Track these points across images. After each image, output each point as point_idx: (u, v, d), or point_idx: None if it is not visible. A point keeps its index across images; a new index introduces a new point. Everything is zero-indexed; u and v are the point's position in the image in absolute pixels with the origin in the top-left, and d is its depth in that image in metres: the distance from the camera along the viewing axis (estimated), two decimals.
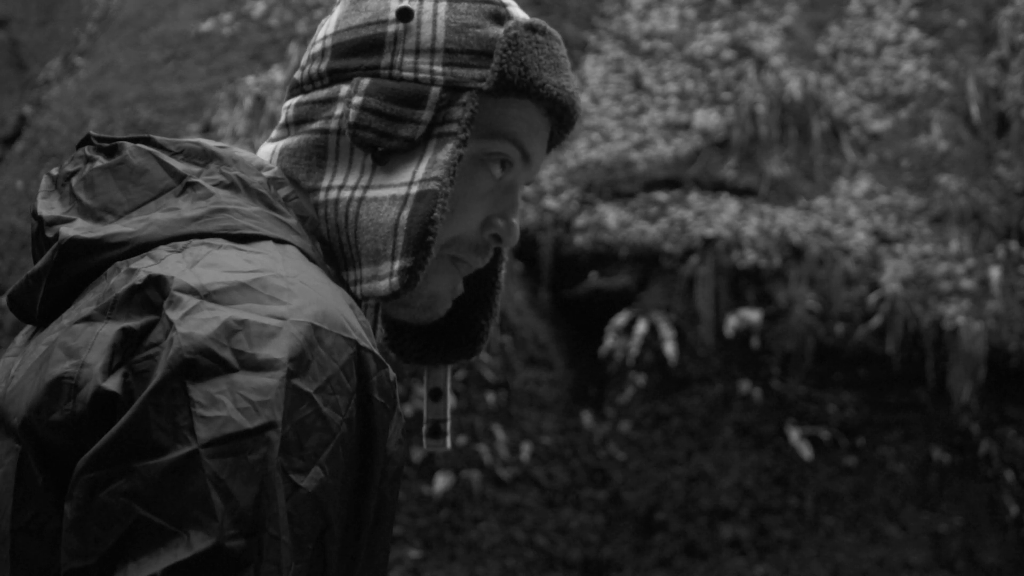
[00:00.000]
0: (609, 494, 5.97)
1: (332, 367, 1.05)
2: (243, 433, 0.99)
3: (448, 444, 1.41)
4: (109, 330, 1.05)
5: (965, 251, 6.16)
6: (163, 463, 0.98)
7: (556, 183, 6.64)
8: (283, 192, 1.24)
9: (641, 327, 6.04)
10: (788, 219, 6.29)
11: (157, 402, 1.00)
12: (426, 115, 1.24)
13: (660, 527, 5.88)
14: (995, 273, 6.00)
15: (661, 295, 6.18)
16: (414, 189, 1.22)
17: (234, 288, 1.06)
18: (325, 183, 1.26)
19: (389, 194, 1.23)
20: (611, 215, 6.42)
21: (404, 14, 1.26)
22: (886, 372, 5.91)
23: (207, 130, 6.67)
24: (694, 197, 6.47)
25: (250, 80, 6.98)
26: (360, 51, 1.27)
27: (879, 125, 6.89)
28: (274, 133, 1.32)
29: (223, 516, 0.97)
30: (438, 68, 1.25)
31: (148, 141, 1.23)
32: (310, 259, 1.18)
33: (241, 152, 1.25)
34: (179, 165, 1.20)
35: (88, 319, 1.08)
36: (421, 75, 1.25)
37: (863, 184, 6.55)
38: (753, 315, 5.99)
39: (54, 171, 1.23)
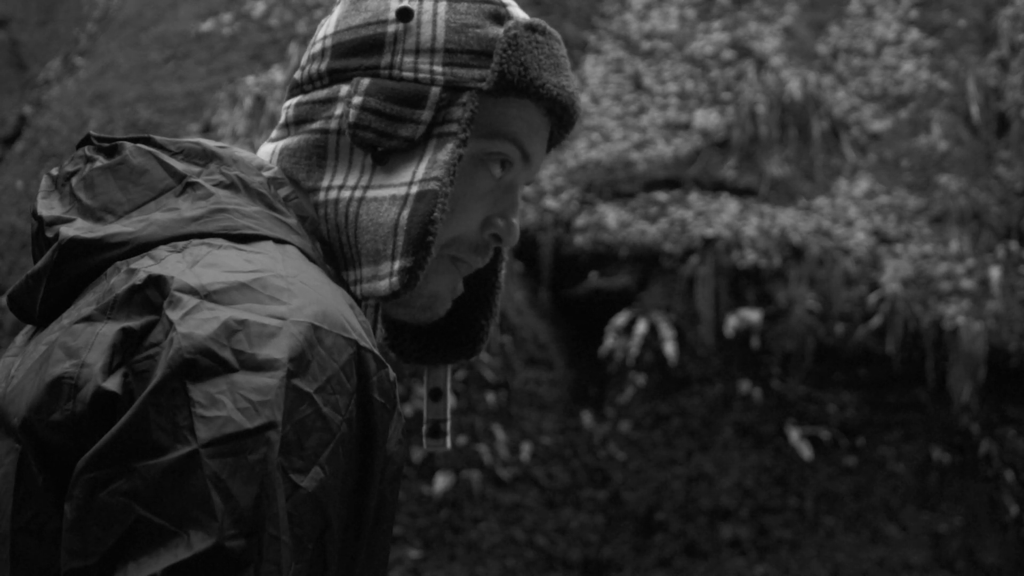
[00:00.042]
0: (609, 494, 5.97)
1: (332, 367, 1.05)
2: (243, 433, 0.99)
3: (448, 444, 1.41)
4: (109, 330, 1.05)
5: (965, 251, 6.16)
6: (163, 463, 0.98)
7: (556, 183, 6.64)
8: (283, 192, 1.24)
9: (641, 327, 6.04)
10: (788, 219, 6.29)
11: (157, 402, 1.00)
12: (426, 115, 1.24)
13: (660, 527, 5.88)
14: (995, 273, 6.00)
15: (661, 295, 6.18)
16: (414, 189, 1.22)
17: (234, 288, 1.06)
18: (325, 183, 1.26)
19: (389, 194, 1.23)
20: (611, 215, 6.42)
21: (404, 14, 1.26)
22: (886, 372, 5.91)
23: (207, 130, 6.68)
24: (694, 197, 6.47)
25: (250, 80, 6.98)
26: (360, 51, 1.27)
27: (879, 125, 6.89)
28: (274, 133, 1.32)
29: (223, 516, 0.97)
30: (438, 68, 1.25)
31: (148, 141, 1.23)
32: (310, 259, 1.18)
33: (241, 152, 1.25)
34: (179, 165, 1.20)
35: (88, 319, 1.08)
36: (421, 75, 1.25)
37: (863, 184, 6.55)
38: (753, 315, 5.99)
39: (54, 171, 1.23)
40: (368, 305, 1.30)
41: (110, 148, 1.22)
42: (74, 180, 1.20)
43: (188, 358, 1.01)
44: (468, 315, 1.40)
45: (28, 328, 1.22)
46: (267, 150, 1.31)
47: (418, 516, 5.79)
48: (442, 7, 1.27)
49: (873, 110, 6.98)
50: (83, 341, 1.06)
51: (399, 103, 1.24)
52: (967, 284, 6.01)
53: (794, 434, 5.87)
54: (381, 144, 1.24)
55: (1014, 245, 6.20)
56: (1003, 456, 5.79)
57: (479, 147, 1.26)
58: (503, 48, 1.26)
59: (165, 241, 1.13)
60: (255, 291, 1.06)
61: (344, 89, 1.27)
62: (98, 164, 1.20)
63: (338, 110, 1.27)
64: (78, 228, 1.15)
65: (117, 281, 1.09)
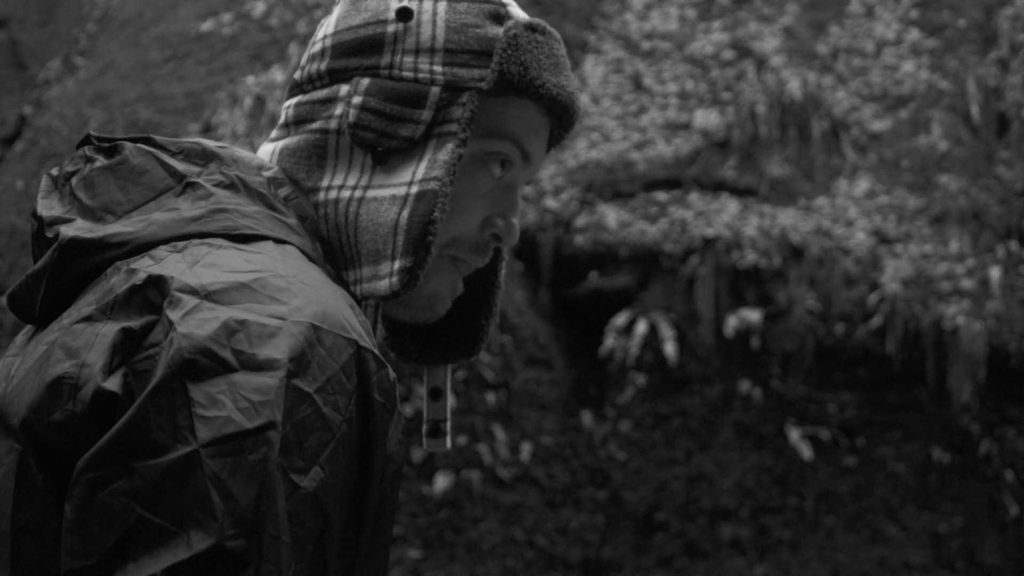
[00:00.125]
0: (609, 494, 5.97)
1: (332, 367, 1.05)
2: (243, 433, 0.99)
3: (448, 444, 1.41)
4: (109, 330, 1.05)
5: (965, 251, 6.16)
6: (163, 463, 0.98)
7: (556, 183, 6.64)
8: (283, 192, 1.24)
9: (641, 327, 6.04)
10: (788, 219, 6.29)
11: (157, 402, 1.00)
12: (426, 115, 1.24)
13: (660, 527, 5.88)
14: (995, 273, 6.00)
15: (661, 295, 6.18)
16: (414, 189, 1.22)
17: (234, 288, 1.06)
18: (325, 183, 1.26)
19: (389, 194, 1.23)
20: (611, 215, 6.42)
21: (404, 14, 1.26)
22: (886, 372, 5.91)
23: (207, 130, 6.67)
24: (694, 197, 6.47)
25: (250, 80, 6.98)
26: (360, 51, 1.27)
27: (879, 125, 6.89)
28: (274, 133, 1.32)
29: (223, 516, 0.97)
30: (438, 68, 1.25)
31: (148, 141, 1.23)
32: (310, 259, 1.18)
33: (241, 152, 1.25)
34: (179, 165, 1.20)
35: (88, 319, 1.08)
36: (421, 75, 1.25)
37: (863, 184, 6.55)
38: (753, 315, 5.99)
39: (54, 171, 1.23)
40: (368, 305, 1.30)
41: (110, 148, 1.22)
42: (74, 180, 1.20)
43: (188, 358, 1.01)
44: (468, 315, 1.40)
45: (28, 328, 1.22)
46: (267, 150, 1.31)
47: (418, 516, 5.79)
48: (442, 7, 1.27)
49: (873, 110, 6.98)
50: (83, 341, 1.06)
51: (399, 103, 1.24)
52: (967, 284, 6.01)
53: (794, 434, 5.87)
54: (381, 144, 1.24)
55: (1014, 245, 6.20)
56: (1003, 456, 5.79)
57: (479, 147, 1.26)
58: (503, 48, 1.26)
59: (165, 241, 1.13)
60: (255, 291, 1.06)
61: (344, 89, 1.27)
62: (98, 164, 1.20)
63: (338, 110, 1.27)
64: (78, 228, 1.15)
65: (117, 281, 1.09)
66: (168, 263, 1.09)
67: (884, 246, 6.21)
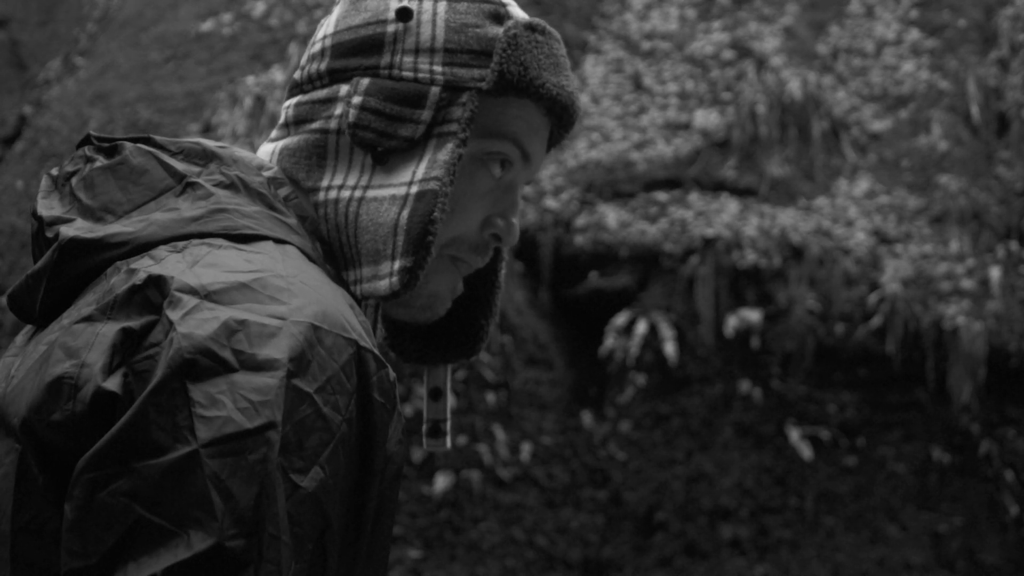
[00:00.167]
0: (609, 494, 5.97)
1: (332, 367, 1.05)
2: (243, 433, 0.99)
3: (448, 444, 1.41)
4: (109, 330, 1.05)
5: (965, 251, 6.16)
6: (163, 463, 0.98)
7: (556, 183, 6.64)
8: (283, 192, 1.24)
9: (641, 327, 6.04)
10: (788, 219, 6.29)
11: (157, 402, 1.00)
12: (426, 115, 1.24)
13: (660, 527, 5.88)
14: (995, 273, 6.00)
15: (661, 295, 6.18)
16: (414, 189, 1.22)
17: (234, 288, 1.06)
18: (325, 183, 1.26)
19: (389, 194, 1.23)
20: (611, 215, 6.42)
21: (404, 14, 1.26)
22: (886, 372, 5.91)
23: (207, 130, 6.67)
24: (694, 197, 6.47)
25: (250, 80, 6.98)
26: (360, 51, 1.27)
27: (879, 125, 6.89)
28: (274, 133, 1.33)
29: (223, 516, 0.97)
30: (438, 68, 1.25)
31: (148, 141, 1.23)
32: (310, 259, 1.18)
33: (241, 152, 1.25)
34: (179, 165, 1.20)
35: (88, 319, 1.08)
36: (421, 75, 1.25)
37: (863, 184, 6.55)
38: (753, 315, 5.99)
39: (54, 171, 1.23)
40: (368, 305, 1.30)
41: (110, 148, 1.22)
42: (74, 180, 1.20)
43: (188, 358, 1.01)
44: (468, 315, 1.40)
45: (28, 328, 1.22)
46: (267, 150, 1.31)
47: (418, 516, 5.79)
48: (442, 7, 1.27)
49: (873, 110, 6.98)
50: (83, 341, 1.06)
51: (399, 103, 1.24)
52: (967, 284, 6.01)
53: (794, 434, 5.87)
54: (381, 144, 1.24)
55: (1014, 245, 6.20)
56: (1003, 456, 5.79)
57: (479, 147, 1.26)
58: (503, 48, 1.26)
59: (165, 241, 1.13)
60: (255, 291, 1.06)
61: (344, 89, 1.27)
62: (98, 164, 1.20)
63: (338, 110, 1.27)
64: (78, 228, 1.15)
65: (117, 281, 1.09)
66: (168, 263, 1.09)
67: (884, 246, 6.21)
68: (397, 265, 1.21)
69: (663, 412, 6.03)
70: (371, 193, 1.24)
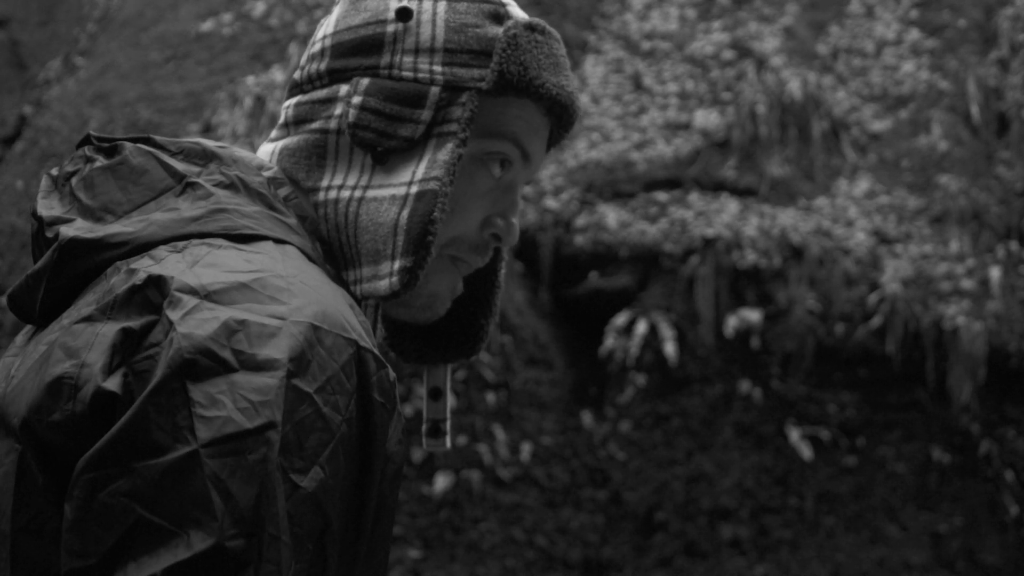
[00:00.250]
0: (609, 494, 5.97)
1: (332, 367, 1.05)
2: (243, 433, 0.99)
3: (448, 444, 1.41)
4: (109, 330, 1.05)
5: (965, 251, 6.16)
6: (163, 463, 0.98)
7: (556, 183, 6.64)
8: (283, 192, 1.24)
9: (641, 327, 6.04)
10: (788, 219, 6.29)
11: (157, 402, 1.00)
12: (426, 115, 1.24)
13: (660, 527, 5.88)
14: (995, 273, 6.00)
15: (661, 295, 6.18)
16: (414, 189, 1.22)
17: (234, 288, 1.06)
18: (325, 183, 1.26)
19: (389, 194, 1.23)
20: (611, 215, 6.42)
21: (403, 14, 1.26)
22: (886, 372, 5.91)
23: (207, 130, 6.67)
24: (694, 197, 6.47)
25: (250, 80, 6.98)
26: (360, 51, 1.27)
27: (879, 125, 6.89)
28: (274, 133, 1.33)
29: (223, 516, 0.97)
30: (437, 68, 1.25)
31: (148, 141, 1.23)
32: (310, 259, 1.18)
33: (241, 152, 1.25)
34: (179, 165, 1.20)
35: (88, 319, 1.08)
36: (421, 75, 1.25)
37: (863, 184, 6.55)
38: (753, 315, 5.99)
39: (54, 171, 1.23)
40: (368, 305, 1.30)
41: (110, 148, 1.22)
42: (74, 180, 1.20)
43: (188, 358, 1.01)
44: (468, 315, 1.40)
45: (28, 328, 1.22)
46: (267, 150, 1.31)
47: (418, 516, 5.79)
48: (441, 7, 1.27)
49: (873, 110, 6.98)
50: (83, 341, 1.06)
51: (399, 103, 1.24)
52: (967, 284, 6.01)
53: (794, 434, 5.87)
54: (381, 144, 1.24)
55: (1014, 245, 6.20)
56: (1003, 456, 5.79)
57: (479, 147, 1.26)
58: (503, 48, 1.26)
59: (165, 241, 1.13)
60: (255, 291, 1.06)
61: (344, 89, 1.27)
62: (98, 164, 1.20)
63: (338, 110, 1.27)
64: (78, 228, 1.15)
65: (117, 281, 1.09)
66: (168, 263, 1.09)
67: (884, 246, 6.21)
68: (397, 265, 1.21)
69: (663, 412, 6.03)
70: (371, 193, 1.24)
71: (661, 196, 6.51)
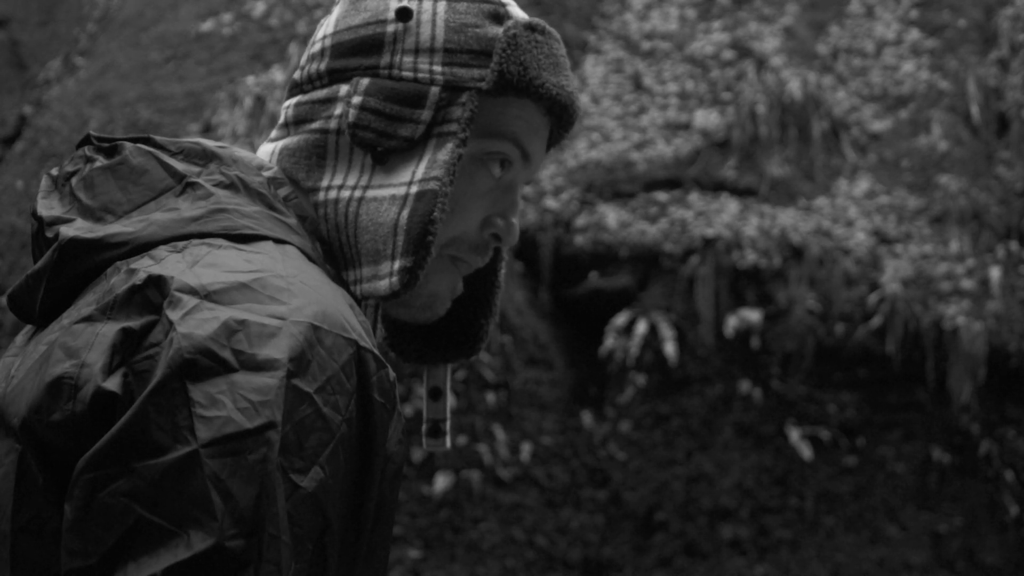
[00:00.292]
0: (609, 494, 5.97)
1: (332, 367, 1.05)
2: (243, 433, 0.99)
3: (448, 444, 1.41)
4: (109, 330, 1.05)
5: (965, 251, 6.16)
6: (163, 463, 0.98)
7: (556, 183, 6.64)
8: (283, 192, 1.24)
9: (641, 327, 6.04)
10: (788, 219, 6.29)
11: (157, 402, 1.00)
12: (425, 115, 1.24)
13: (660, 527, 5.88)
14: (995, 273, 6.00)
15: (661, 295, 6.18)
16: (414, 189, 1.22)
17: (234, 288, 1.06)
18: (325, 183, 1.26)
19: (389, 194, 1.23)
20: (611, 215, 6.42)
21: (403, 14, 1.26)
22: (886, 372, 5.91)
23: (207, 130, 6.67)
24: (694, 197, 6.47)
25: (250, 80, 6.98)
26: (359, 51, 1.27)
27: (879, 125, 6.89)
28: (274, 133, 1.32)
29: (223, 516, 0.97)
30: (437, 68, 1.25)
31: (148, 141, 1.23)
32: (310, 259, 1.18)
33: (241, 152, 1.25)
34: (179, 165, 1.20)
35: (88, 319, 1.08)
36: (420, 75, 1.25)
37: (863, 184, 6.55)
38: (753, 315, 5.99)
39: (54, 171, 1.23)
40: (368, 305, 1.30)
41: (110, 148, 1.22)
42: (74, 180, 1.20)
43: (188, 358, 1.01)
44: (468, 315, 1.40)
45: (28, 328, 1.22)
46: (267, 150, 1.31)
47: (418, 516, 5.79)
48: (441, 7, 1.27)
49: (873, 110, 6.98)
50: (83, 341, 1.06)
51: (399, 103, 1.24)
52: (967, 284, 6.01)
53: (794, 434, 5.87)
54: (381, 144, 1.24)
55: (1014, 245, 6.20)
56: (1003, 456, 5.79)
57: (479, 147, 1.26)
58: (502, 48, 1.26)
59: (165, 241, 1.13)
60: (255, 291, 1.06)
61: (344, 89, 1.27)
62: (98, 164, 1.20)
63: (338, 110, 1.27)
64: (78, 228, 1.15)
65: (117, 281, 1.09)
66: (168, 263, 1.09)
67: (884, 246, 6.21)
68: (397, 265, 1.21)
69: (663, 412, 6.03)
70: (371, 193, 1.24)
71: (661, 196, 6.51)
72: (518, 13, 1.30)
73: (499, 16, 1.28)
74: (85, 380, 1.03)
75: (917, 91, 7.02)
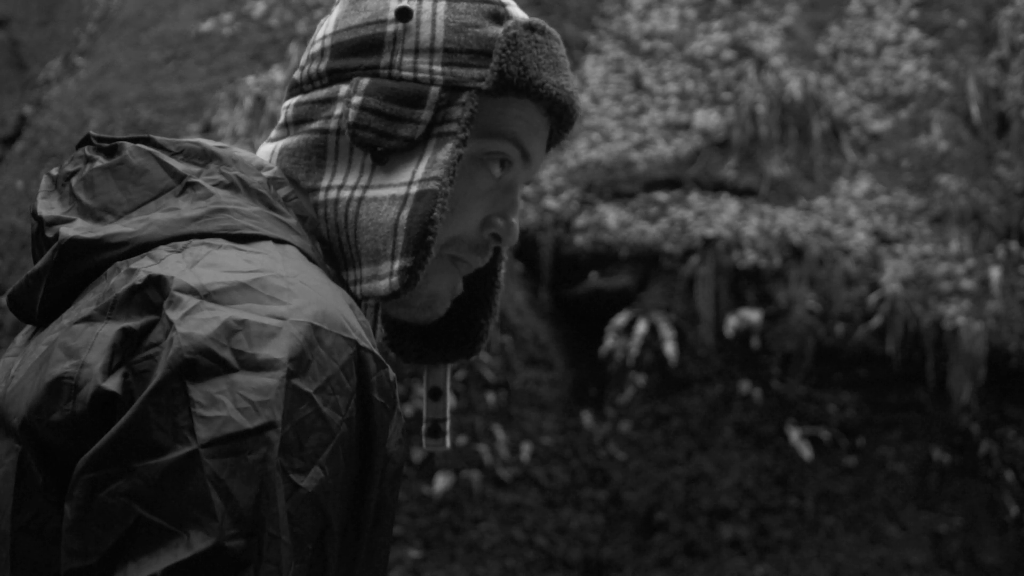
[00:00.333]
0: (609, 494, 5.97)
1: (332, 367, 1.05)
2: (243, 433, 0.99)
3: (448, 444, 1.41)
4: (109, 330, 1.05)
5: (965, 251, 6.16)
6: (163, 463, 0.98)
7: (556, 183, 6.64)
8: (283, 192, 1.24)
9: (641, 327, 6.04)
10: (788, 219, 6.29)
11: (157, 402, 1.00)
12: (425, 115, 1.24)
13: (660, 527, 5.88)
14: (995, 273, 6.00)
15: (661, 295, 6.18)
16: (414, 189, 1.22)
17: (234, 288, 1.06)
18: (325, 183, 1.26)
19: (389, 194, 1.23)
20: (611, 215, 6.42)
21: (403, 14, 1.26)
22: (886, 372, 5.91)
23: (207, 130, 6.67)
24: (694, 197, 6.47)
25: (250, 80, 6.98)
26: (359, 51, 1.27)
27: (879, 125, 6.89)
28: (274, 133, 1.33)
29: (223, 516, 0.97)
30: (437, 68, 1.25)
31: (148, 141, 1.23)
32: (310, 259, 1.18)
33: (241, 152, 1.25)
34: (179, 165, 1.20)
35: (88, 319, 1.08)
36: (420, 75, 1.25)
37: (863, 184, 6.55)
38: (753, 315, 5.99)
39: (54, 171, 1.23)
40: (368, 305, 1.30)
41: (110, 148, 1.22)
42: (74, 180, 1.20)
43: (188, 358, 1.01)
44: (468, 315, 1.40)
45: (28, 328, 1.22)
46: (267, 150, 1.31)
47: (418, 516, 5.79)
48: (441, 7, 1.27)
49: (873, 110, 6.98)
50: (83, 341, 1.06)
51: (398, 103, 1.24)
52: (967, 284, 6.01)
53: (794, 434, 5.87)
54: (381, 144, 1.24)
55: (1014, 245, 6.20)
56: (1003, 456, 5.79)
57: (479, 147, 1.26)
58: (502, 48, 1.26)
59: (165, 241, 1.13)
60: (255, 291, 1.06)
61: (343, 89, 1.27)
62: (98, 164, 1.20)
63: (337, 110, 1.27)
64: (78, 228, 1.15)
65: (117, 281, 1.09)
66: (168, 263, 1.09)
67: (884, 246, 6.21)
68: (397, 265, 1.21)
69: (663, 412, 6.03)
70: (371, 193, 1.24)
71: (661, 196, 6.51)
72: (518, 13, 1.30)
73: (499, 16, 1.28)
74: (85, 380, 1.03)
75: (917, 91, 7.02)
